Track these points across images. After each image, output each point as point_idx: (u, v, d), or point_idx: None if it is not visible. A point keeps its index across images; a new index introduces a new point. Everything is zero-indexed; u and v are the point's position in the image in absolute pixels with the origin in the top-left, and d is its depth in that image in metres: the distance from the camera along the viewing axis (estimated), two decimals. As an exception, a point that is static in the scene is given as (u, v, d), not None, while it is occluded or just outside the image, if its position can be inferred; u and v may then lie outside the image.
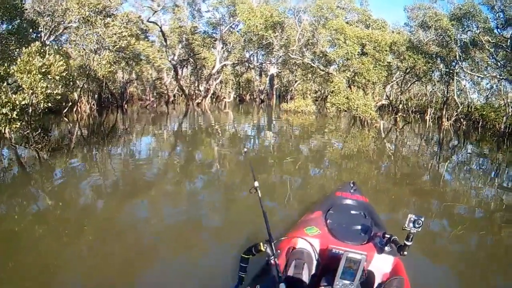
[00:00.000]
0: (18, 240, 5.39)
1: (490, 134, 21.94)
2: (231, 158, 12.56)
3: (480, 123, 24.09)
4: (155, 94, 32.36)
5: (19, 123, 9.96)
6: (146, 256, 5.03)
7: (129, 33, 22.12)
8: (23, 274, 4.49)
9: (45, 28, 16.70)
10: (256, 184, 3.90)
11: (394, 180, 10.61)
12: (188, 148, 14.26)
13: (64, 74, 11.56)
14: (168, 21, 32.24)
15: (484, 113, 24.27)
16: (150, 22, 29.38)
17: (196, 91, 35.63)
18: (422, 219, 3.00)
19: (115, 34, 19.51)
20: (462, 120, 24.24)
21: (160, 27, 28.92)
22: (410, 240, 3.09)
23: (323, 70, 28.64)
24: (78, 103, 21.02)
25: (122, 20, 21.57)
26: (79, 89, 20.34)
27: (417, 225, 3.01)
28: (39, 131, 11.57)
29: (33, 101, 10.52)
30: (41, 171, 9.37)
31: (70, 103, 19.73)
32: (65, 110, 19.18)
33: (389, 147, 16.62)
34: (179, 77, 32.36)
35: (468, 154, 15.90)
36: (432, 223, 6.97)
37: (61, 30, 17.93)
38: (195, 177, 9.94)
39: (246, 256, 3.18)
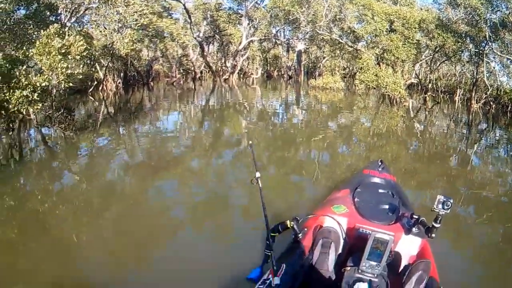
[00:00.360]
0: (45, 215, 5.59)
1: None
2: (258, 133, 12.49)
3: (510, 107, 23.03)
4: (181, 70, 32.29)
5: (40, 104, 10.04)
6: (170, 232, 5.16)
7: (151, 11, 21.94)
8: (50, 248, 4.62)
9: (65, 10, 16.56)
10: (258, 174, 3.73)
11: (422, 161, 10.43)
12: (215, 124, 14.34)
13: (84, 53, 11.60)
14: (191, -1, 31.95)
15: None
16: (174, -1, 29.09)
17: (223, 67, 35.33)
18: (451, 201, 2.92)
19: (136, 12, 19.24)
20: (491, 103, 23.41)
21: (184, 4, 28.50)
22: (438, 222, 3.03)
23: (351, 47, 28.05)
24: (104, 82, 21.21)
25: None
26: (104, 68, 20.54)
27: (446, 207, 2.94)
28: (62, 111, 11.78)
29: (54, 82, 10.51)
30: (66, 149, 9.59)
31: (96, 82, 19.85)
32: (90, 89, 19.30)
33: (418, 126, 16.25)
34: (205, 53, 32.05)
35: (497, 139, 15.30)
36: (458, 207, 6.79)
37: (82, 12, 17.70)
38: (222, 154, 10.02)
39: (273, 234, 3.11)
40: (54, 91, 11.00)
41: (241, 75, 37.80)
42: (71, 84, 11.36)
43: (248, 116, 16.27)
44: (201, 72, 34.21)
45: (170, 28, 26.18)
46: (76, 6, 16.75)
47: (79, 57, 11.33)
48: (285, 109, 19.54)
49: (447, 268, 3.99)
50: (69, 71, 10.73)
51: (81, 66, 12.36)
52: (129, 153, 9.37)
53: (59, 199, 6.36)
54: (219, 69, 35.66)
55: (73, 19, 17.62)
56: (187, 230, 5.33)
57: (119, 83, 23.19)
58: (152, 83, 27.29)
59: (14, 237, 4.92)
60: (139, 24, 19.97)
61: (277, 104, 21.55)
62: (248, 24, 32.50)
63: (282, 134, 12.71)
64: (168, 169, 8.18)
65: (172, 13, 31.62)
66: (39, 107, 10.05)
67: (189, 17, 28.76)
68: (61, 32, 10.94)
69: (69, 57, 10.83)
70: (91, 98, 18.60)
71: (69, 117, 12.06)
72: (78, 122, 12.45)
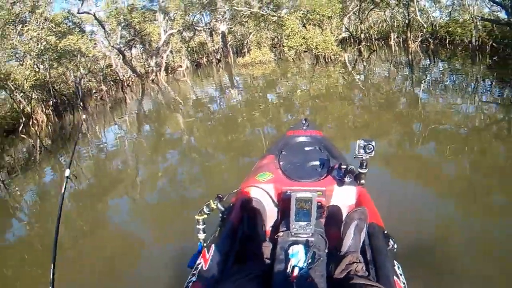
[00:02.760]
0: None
1: (460, 49, 21.90)
2: (199, 125, 12.54)
3: (448, 40, 23.89)
4: (110, 82, 31.08)
5: None
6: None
7: (49, 34, 21.00)
8: None
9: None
10: (67, 173, 3.45)
11: (370, 110, 10.61)
12: (152, 130, 14.15)
13: None
14: (101, 7, 30.58)
15: (450, 29, 24.06)
16: (82, 13, 27.91)
17: (149, 68, 34.40)
18: (373, 143, 2.84)
19: (31, 39, 18.40)
20: (429, 39, 23.78)
21: (94, 15, 27.60)
22: (364, 167, 2.97)
23: (274, 16, 27.91)
24: (33, 115, 19.88)
25: (37, 22, 20.26)
26: (29, 102, 19.42)
27: (368, 150, 2.86)
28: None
29: None
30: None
31: (23, 119, 18.48)
32: (20, 127, 18.04)
33: (358, 78, 16.52)
34: (127, 59, 31.19)
35: (442, 71, 15.94)
36: (419, 147, 7.13)
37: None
38: (162, 153, 10.25)
39: (199, 217, 3.12)
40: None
41: (169, 71, 36.96)
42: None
43: (184, 111, 16.13)
44: (128, 79, 33.04)
45: (77, 44, 24.85)
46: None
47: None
48: (221, 94, 19.47)
49: (396, 212, 4.37)
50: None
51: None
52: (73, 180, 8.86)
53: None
54: (149, 70, 34.74)
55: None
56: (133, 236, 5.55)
57: (49, 112, 21.84)
58: (82, 103, 26.09)
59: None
60: (35, 51, 18.90)
61: (211, 91, 21.46)
62: (164, 18, 31.89)
63: (221, 119, 12.73)
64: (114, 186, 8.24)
65: (84, 27, 30.60)
66: None
67: (103, 27, 27.95)
68: None
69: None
70: (23, 136, 17.48)
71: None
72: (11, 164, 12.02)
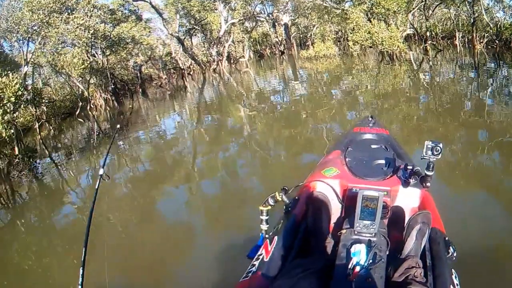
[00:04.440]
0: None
1: None
2: (261, 118, 12.63)
3: None
4: (171, 70, 31.98)
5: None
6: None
7: (99, 20, 21.72)
8: None
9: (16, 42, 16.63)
10: (101, 171, 3.69)
11: (434, 113, 10.30)
12: (214, 120, 14.24)
13: (19, 93, 10.40)
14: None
15: None
16: (137, 0, 28.86)
17: (210, 57, 34.96)
18: (441, 145, 2.84)
19: (77, 27, 18.99)
20: (497, 41, 23.01)
21: (150, 2, 28.33)
22: (431, 169, 2.96)
23: (337, 8, 27.72)
24: (91, 100, 20.93)
25: (84, 9, 20.83)
26: (87, 86, 20.35)
27: (435, 152, 2.86)
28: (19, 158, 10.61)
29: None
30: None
31: (81, 103, 19.46)
32: (77, 112, 18.99)
33: (424, 78, 16.05)
34: (187, 47, 31.80)
35: (508, 77, 14.75)
36: (483, 157, 6.79)
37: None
38: (221, 144, 10.36)
39: (264, 208, 3.25)
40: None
41: (231, 61, 37.41)
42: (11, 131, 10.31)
43: (246, 102, 16.21)
44: (189, 67, 33.80)
45: (131, 32, 25.47)
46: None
47: (14, 99, 10.10)
48: (284, 87, 19.37)
49: (455, 219, 4.18)
50: (7, 117, 9.84)
51: (21, 107, 11.57)
52: (134, 165, 9.59)
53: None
54: (210, 59, 35.25)
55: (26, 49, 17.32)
56: (193, 222, 5.80)
57: (108, 97, 22.96)
58: (140, 89, 27.05)
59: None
60: (83, 39, 19.50)
61: (274, 83, 21.41)
62: (224, 7, 32.09)
63: (284, 113, 12.78)
64: (171, 176, 8.41)
65: (141, 15, 31.31)
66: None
67: (160, 14, 28.62)
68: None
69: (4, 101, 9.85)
70: (81, 120, 18.46)
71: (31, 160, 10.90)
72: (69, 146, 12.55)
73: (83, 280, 2.66)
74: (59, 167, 10.56)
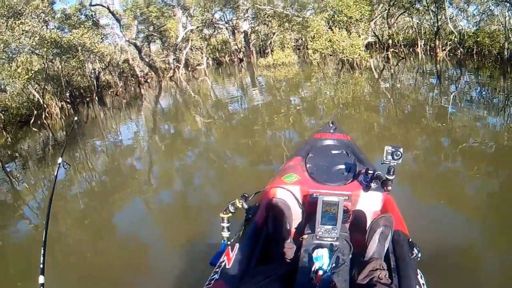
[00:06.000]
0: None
1: (490, 61, 21.39)
2: (217, 126, 12.68)
3: (475, 50, 23.58)
4: (127, 77, 31.21)
5: None
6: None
7: (44, 25, 21.19)
8: None
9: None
10: (59, 160, 3.76)
11: (395, 120, 10.70)
12: (170, 128, 14.10)
13: None
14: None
15: (478, 39, 23.64)
16: (95, 5, 27.88)
17: (168, 65, 34.55)
18: (401, 150, 2.97)
19: (22, 33, 18.13)
20: (461, 49, 23.53)
21: (108, 8, 27.72)
22: (391, 173, 3.08)
23: (298, 16, 27.81)
24: (45, 108, 19.83)
25: (31, 15, 20.00)
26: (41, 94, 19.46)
27: (396, 157, 2.99)
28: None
29: None
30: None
31: (36, 112, 18.49)
32: (32, 120, 18.04)
33: (385, 86, 16.69)
34: (143, 54, 31.28)
35: (470, 84, 15.59)
36: (446, 163, 7.11)
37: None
38: (177, 153, 10.31)
39: (224, 215, 3.25)
40: None
41: (189, 69, 37.07)
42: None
43: (203, 111, 16.25)
44: (146, 75, 33.17)
45: (82, 39, 24.55)
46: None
47: None
48: (241, 95, 19.49)
49: (419, 220, 4.29)
50: None
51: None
52: (87, 175, 9.26)
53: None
54: (168, 67, 34.86)
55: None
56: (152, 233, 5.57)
57: (64, 105, 21.89)
58: (97, 97, 26.18)
59: None
60: (28, 46, 18.74)
61: (232, 91, 21.49)
62: (183, 13, 32.06)
63: (242, 121, 12.79)
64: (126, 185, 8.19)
65: (98, 20, 30.24)
66: None
67: (117, 20, 28.17)
68: None
69: None
70: (35, 129, 17.46)
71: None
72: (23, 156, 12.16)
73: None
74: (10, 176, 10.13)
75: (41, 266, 2.51)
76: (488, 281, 3.71)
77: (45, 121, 18.55)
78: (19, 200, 8.29)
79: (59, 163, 3.68)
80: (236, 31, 39.86)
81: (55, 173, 3.66)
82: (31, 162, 11.20)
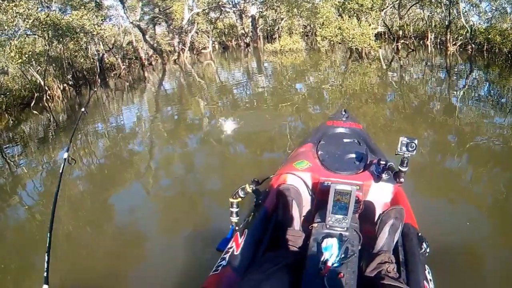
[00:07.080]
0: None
1: (501, 59, 20.87)
2: (221, 112, 12.51)
3: (485, 47, 23.22)
4: (132, 60, 31.08)
5: None
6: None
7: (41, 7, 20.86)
8: None
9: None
10: (65, 155, 3.58)
11: (402, 113, 10.65)
12: (173, 113, 13.87)
13: None
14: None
15: (489, 36, 23.13)
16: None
17: (173, 48, 34.37)
18: (416, 141, 2.94)
19: (16, 16, 17.71)
20: (472, 44, 23.30)
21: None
22: (405, 165, 3.07)
23: (308, 2, 27.59)
24: (47, 91, 19.69)
25: None
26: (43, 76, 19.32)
27: (410, 149, 2.96)
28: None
29: None
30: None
31: (36, 94, 18.37)
32: (33, 103, 17.92)
33: (394, 77, 16.50)
34: (147, 37, 31.09)
35: (480, 80, 15.41)
36: (452, 160, 7.07)
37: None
38: (179, 138, 10.24)
39: (234, 200, 3.27)
40: None
41: (194, 52, 36.91)
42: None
43: (207, 95, 16.10)
44: (151, 57, 32.99)
45: (81, 21, 24.26)
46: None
47: None
48: (247, 80, 19.36)
49: (427, 214, 4.19)
50: None
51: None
52: (90, 160, 9.21)
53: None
54: (173, 50, 34.66)
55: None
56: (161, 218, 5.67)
57: (66, 87, 21.79)
58: (99, 79, 26.02)
59: None
60: (22, 30, 18.50)
61: (238, 76, 21.41)
62: (188, -5, 31.64)
63: (245, 108, 12.69)
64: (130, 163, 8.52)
65: (102, 1, 30.03)
66: None
67: (121, 1, 27.97)
68: None
69: None
70: (36, 112, 17.48)
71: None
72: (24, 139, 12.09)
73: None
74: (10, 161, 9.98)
75: (45, 274, 2.41)
76: (495, 280, 3.70)
77: (46, 103, 18.51)
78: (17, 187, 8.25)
79: (64, 159, 3.53)
80: (243, 15, 39.55)
81: (61, 170, 3.43)
82: (32, 145, 11.15)
